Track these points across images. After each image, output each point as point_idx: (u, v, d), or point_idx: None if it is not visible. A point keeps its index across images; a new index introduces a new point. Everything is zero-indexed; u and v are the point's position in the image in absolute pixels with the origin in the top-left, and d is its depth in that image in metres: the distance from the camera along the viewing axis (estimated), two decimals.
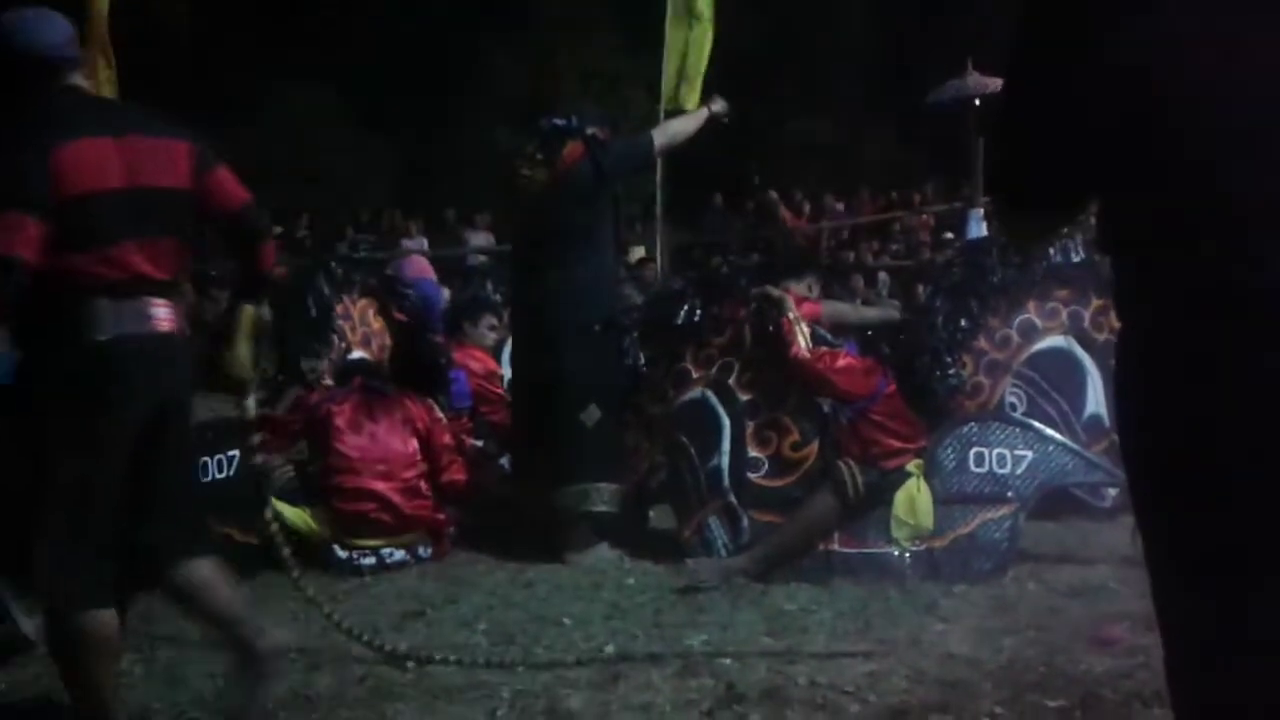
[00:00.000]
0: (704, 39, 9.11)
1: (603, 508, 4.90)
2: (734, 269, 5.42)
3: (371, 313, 6.13)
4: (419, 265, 12.15)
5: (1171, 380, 1.55)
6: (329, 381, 5.43)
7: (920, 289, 8.99)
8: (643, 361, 5.01)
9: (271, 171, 18.33)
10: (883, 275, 13.45)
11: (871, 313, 4.96)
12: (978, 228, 11.33)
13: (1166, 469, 1.58)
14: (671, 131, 5.37)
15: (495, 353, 6.15)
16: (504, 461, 5.52)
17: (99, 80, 8.28)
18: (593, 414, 4.89)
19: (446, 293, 9.26)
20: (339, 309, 5.93)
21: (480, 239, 15.94)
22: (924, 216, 16.27)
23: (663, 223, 11.16)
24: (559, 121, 4.98)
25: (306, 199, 17.09)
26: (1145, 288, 1.58)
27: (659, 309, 5.05)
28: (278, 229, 15.32)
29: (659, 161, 9.69)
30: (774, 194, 16.13)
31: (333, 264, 6.13)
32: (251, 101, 18.92)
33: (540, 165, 4.94)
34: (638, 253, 12.99)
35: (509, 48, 19.34)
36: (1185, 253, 1.52)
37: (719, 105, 5.33)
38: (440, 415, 5.15)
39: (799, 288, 4.87)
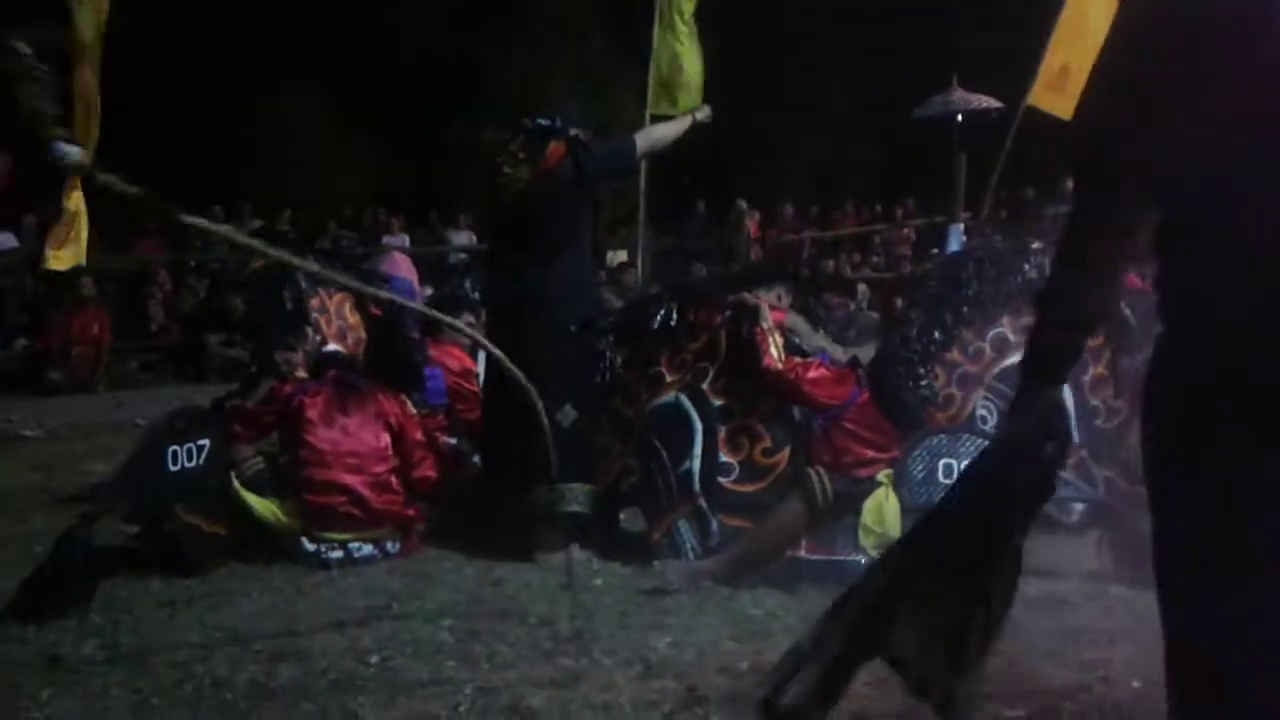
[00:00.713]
0: (690, 47, 9.16)
1: (576, 508, 4.90)
2: (712, 275, 5.43)
3: (348, 306, 6.14)
4: (400, 263, 12.18)
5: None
6: (303, 374, 5.43)
7: (899, 301, 9.03)
8: (618, 364, 5.02)
9: (256, 165, 18.33)
10: (862, 287, 13.53)
11: (822, 344, 4.98)
12: (958, 243, 11.38)
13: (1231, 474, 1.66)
14: (655, 137, 5.42)
15: (472, 351, 6.15)
16: (477, 459, 5.52)
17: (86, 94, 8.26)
18: (568, 414, 4.90)
19: (428, 290, 9.29)
20: (315, 302, 5.93)
21: (463, 238, 15.94)
22: (905, 230, 16.35)
23: (645, 228, 11.19)
24: (543, 121, 5.00)
25: (290, 193, 17.05)
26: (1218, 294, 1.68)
27: (635, 312, 5.06)
28: (258, 222, 15.30)
29: (643, 166, 9.78)
30: (743, 203, 16.17)
31: (310, 258, 6.12)
32: (237, 96, 18.87)
33: (522, 164, 4.96)
34: (619, 257, 13.02)
35: (499, 48, 19.33)
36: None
37: (703, 113, 5.38)
38: (413, 410, 5.15)
39: (768, 296, 4.88)
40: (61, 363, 11.29)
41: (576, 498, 4.90)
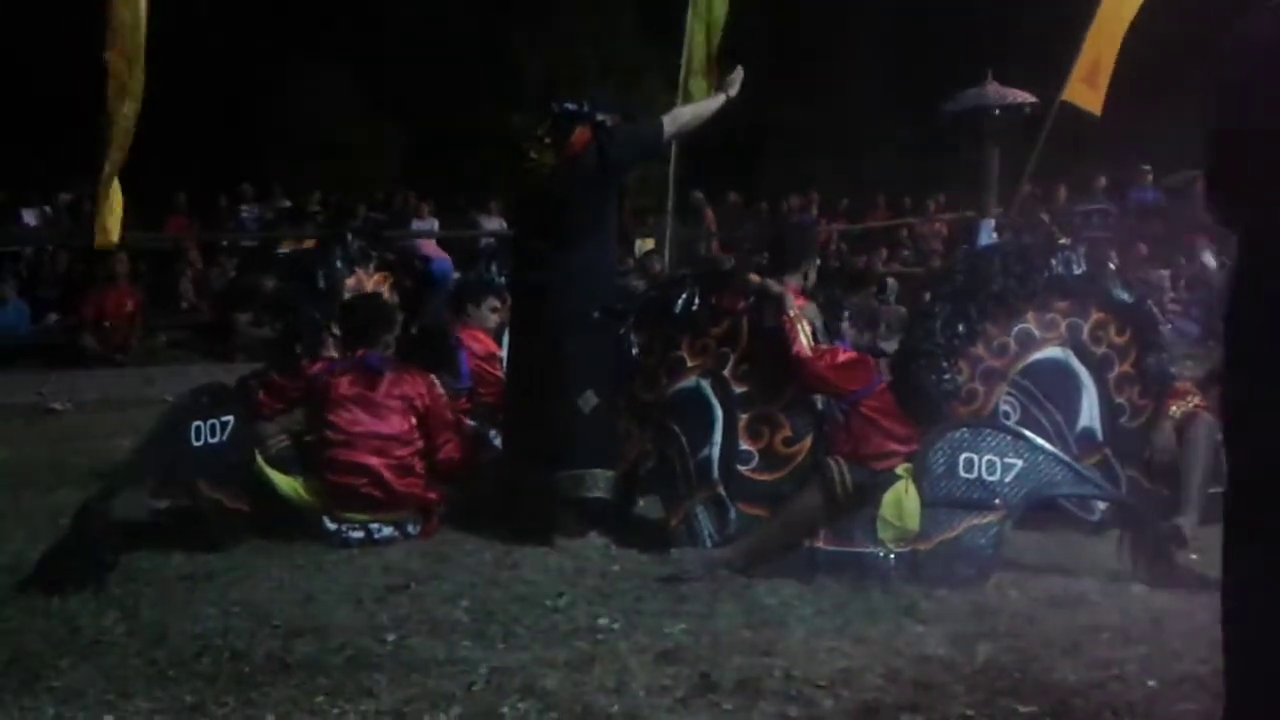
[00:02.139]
0: (712, 32, 9.20)
1: (597, 494, 4.90)
2: (737, 262, 5.41)
3: (387, 287, 6.19)
4: (432, 247, 12.25)
5: None
6: (332, 353, 5.47)
7: (927, 296, 8.99)
8: (636, 348, 5.00)
9: (287, 147, 18.43)
10: (891, 281, 13.46)
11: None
12: (988, 238, 11.32)
13: None
14: (685, 118, 5.30)
15: (497, 335, 6.17)
16: (499, 443, 5.54)
17: (126, 85, 8.34)
18: (590, 400, 4.90)
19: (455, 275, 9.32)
20: (351, 282, 5.98)
21: (494, 224, 15.94)
22: (936, 225, 16.26)
23: (673, 217, 11.21)
24: (570, 106, 4.98)
25: (321, 176, 17.13)
26: None
27: (657, 297, 5.06)
28: (287, 203, 15.37)
29: (673, 154, 9.78)
30: (699, 194, 16.02)
31: (349, 237, 6.18)
32: (270, 78, 18.96)
33: (547, 149, 4.95)
34: (646, 245, 13.00)
35: (531, 34, 19.34)
36: None
37: (735, 88, 5.24)
38: (440, 391, 5.16)
39: (794, 278, 4.87)
40: (95, 333, 11.43)
41: (598, 483, 4.90)
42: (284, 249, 13.58)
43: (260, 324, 11.43)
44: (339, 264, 6.05)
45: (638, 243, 13.52)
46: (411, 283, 6.01)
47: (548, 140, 4.96)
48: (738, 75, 5.24)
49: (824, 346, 4.65)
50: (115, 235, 9.42)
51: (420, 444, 5.04)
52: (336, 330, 5.72)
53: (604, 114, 4.99)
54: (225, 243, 14.80)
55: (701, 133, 5.43)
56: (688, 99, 9.06)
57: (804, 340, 4.58)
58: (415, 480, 4.99)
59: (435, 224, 15.91)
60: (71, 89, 11.59)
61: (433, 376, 5.20)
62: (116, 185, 8.72)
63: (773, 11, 18.79)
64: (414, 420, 5.03)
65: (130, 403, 8.64)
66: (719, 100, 5.26)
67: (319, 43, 19.15)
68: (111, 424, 7.76)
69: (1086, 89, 10.18)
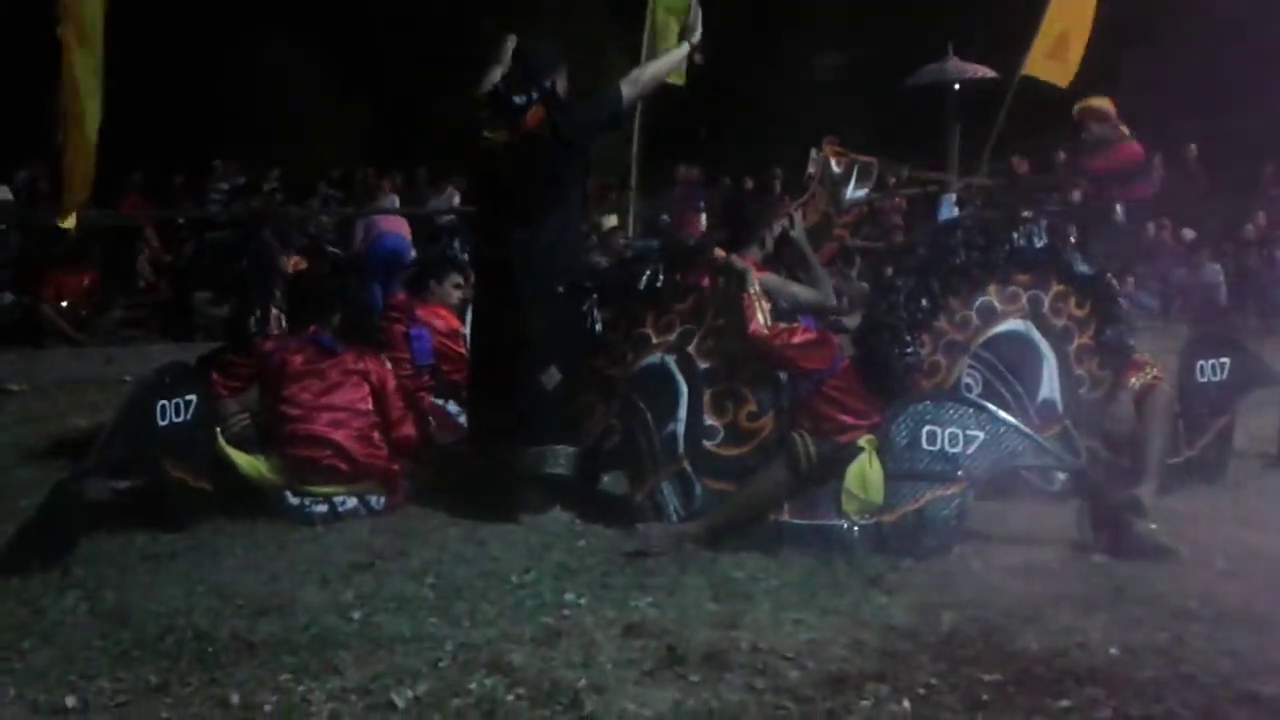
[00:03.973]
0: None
1: (560, 470, 4.91)
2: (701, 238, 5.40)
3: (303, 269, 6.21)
4: (393, 223, 12.13)
5: None
6: (276, 330, 5.46)
7: (889, 270, 9.02)
8: (600, 324, 4.99)
9: (245, 123, 18.22)
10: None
11: (806, 295, 4.92)
12: (949, 212, 11.41)
13: None
14: (646, 78, 5.18)
15: (460, 312, 6.15)
16: (463, 419, 5.53)
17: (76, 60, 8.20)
18: (553, 376, 4.89)
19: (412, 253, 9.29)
20: (294, 261, 5.99)
21: (454, 200, 15.80)
22: (897, 199, 16.30)
23: (637, 194, 11.19)
24: (518, 100, 4.88)
25: (279, 153, 16.93)
26: None
27: (621, 272, 5.05)
28: (240, 180, 15.17)
29: (635, 129, 9.75)
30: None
31: (274, 218, 6.21)
32: (227, 52, 18.72)
33: (502, 128, 4.89)
34: (610, 221, 12.97)
35: (491, 7, 19.16)
36: None
37: (696, 34, 5.11)
38: (390, 368, 5.16)
39: (754, 250, 4.87)
40: (54, 313, 11.34)
41: (559, 460, 4.90)
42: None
43: (220, 303, 11.35)
44: (273, 242, 6.08)
45: (601, 220, 13.48)
46: (326, 268, 6.02)
47: (501, 121, 4.91)
48: (696, 15, 5.12)
49: (783, 325, 4.66)
50: (72, 219, 9.29)
51: (377, 417, 5.03)
52: (276, 306, 5.71)
53: (550, 76, 4.91)
54: (182, 221, 14.60)
55: (664, 108, 5.38)
56: None
57: (761, 319, 4.59)
58: (377, 450, 4.98)
59: (396, 201, 15.76)
60: (25, 64, 11.42)
61: (383, 355, 5.20)
62: (87, 167, 8.59)
63: None
64: (369, 393, 5.01)
65: (88, 382, 8.54)
66: (682, 51, 5.14)
67: (278, 17, 18.91)
68: (70, 404, 7.67)
69: (1051, 63, 10.26)
